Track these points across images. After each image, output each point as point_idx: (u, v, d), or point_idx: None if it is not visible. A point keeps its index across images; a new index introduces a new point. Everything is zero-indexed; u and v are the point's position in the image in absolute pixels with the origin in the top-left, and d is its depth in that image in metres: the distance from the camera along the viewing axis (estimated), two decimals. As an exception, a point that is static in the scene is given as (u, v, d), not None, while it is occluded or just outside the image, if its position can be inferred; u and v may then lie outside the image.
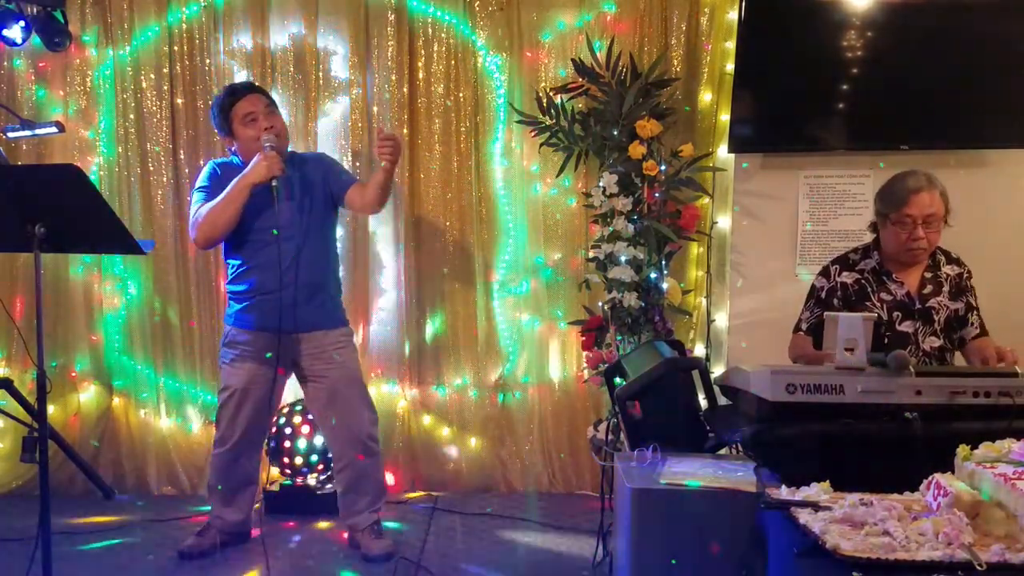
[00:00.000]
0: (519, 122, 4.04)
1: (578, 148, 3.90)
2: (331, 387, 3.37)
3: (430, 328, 4.30)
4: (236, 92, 3.33)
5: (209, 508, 3.58)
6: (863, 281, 2.88)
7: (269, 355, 3.28)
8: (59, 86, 4.20)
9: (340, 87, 4.20)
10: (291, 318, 3.19)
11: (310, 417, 3.93)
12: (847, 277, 2.90)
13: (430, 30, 4.16)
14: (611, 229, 3.82)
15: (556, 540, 3.62)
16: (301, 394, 3.65)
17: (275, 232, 3.17)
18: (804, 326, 2.94)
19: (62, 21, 3.95)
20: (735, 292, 3.97)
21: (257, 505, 3.71)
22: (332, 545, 3.56)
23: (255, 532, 3.61)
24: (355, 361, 3.47)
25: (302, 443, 3.94)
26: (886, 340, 2.72)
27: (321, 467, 4.00)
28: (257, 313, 3.29)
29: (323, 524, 3.78)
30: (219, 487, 3.45)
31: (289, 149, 3.45)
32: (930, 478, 1.73)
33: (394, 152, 3.13)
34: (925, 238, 2.76)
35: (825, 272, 2.96)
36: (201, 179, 3.34)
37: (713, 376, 2.80)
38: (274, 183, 3.13)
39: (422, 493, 4.23)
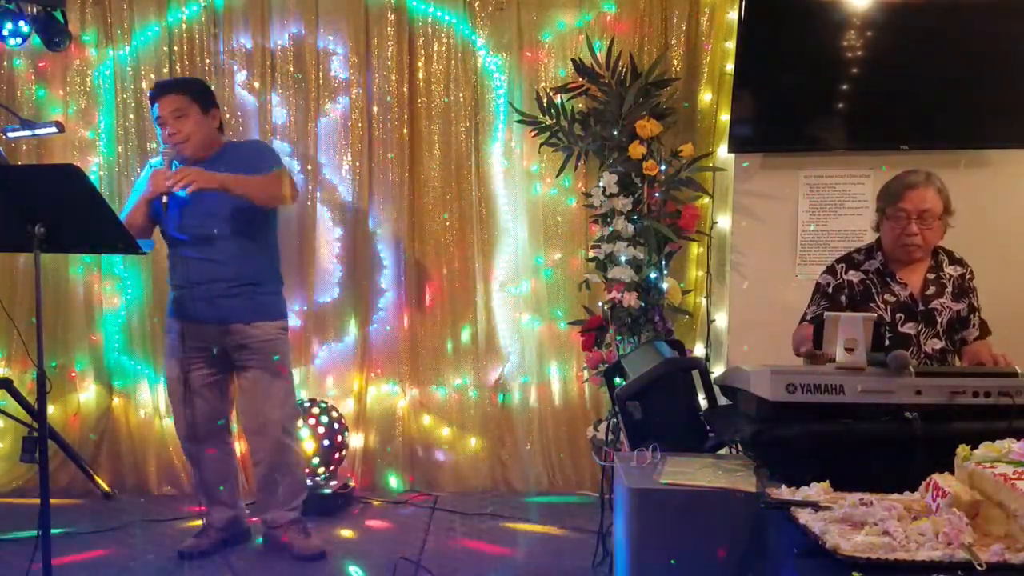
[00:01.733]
0: (519, 122, 4.04)
1: (578, 148, 3.90)
2: (250, 379, 3.37)
3: (430, 328, 4.30)
4: (150, 97, 3.36)
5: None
6: (868, 281, 2.87)
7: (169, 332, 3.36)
8: (59, 86, 4.20)
9: (340, 87, 4.20)
10: (212, 310, 3.27)
11: (308, 419, 3.95)
12: (853, 276, 2.89)
13: (430, 30, 4.16)
14: (611, 229, 3.82)
15: (556, 540, 3.62)
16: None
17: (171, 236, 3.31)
18: (809, 316, 2.93)
19: (62, 21, 3.96)
20: (735, 292, 3.97)
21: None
22: (330, 544, 3.56)
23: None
24: (280, 355, 3.38)
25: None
26: (887, 341, 2.72)
27: (321, 468, 3.99)
28: (179, 304, 3.34)
29: (321, 524, 3.77)
30: (197, 485, 3.50)
31: (227, 141, 3.44)
32: (928, 479, 1.72)
33: (187, 182, 3.07)
34: (919, 234, 2.76)
35: (831, 270, 2.95)
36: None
37: (713, 376, 2.80)
38: (164, 199, 3.15)
39: (422, 493, 4.23)
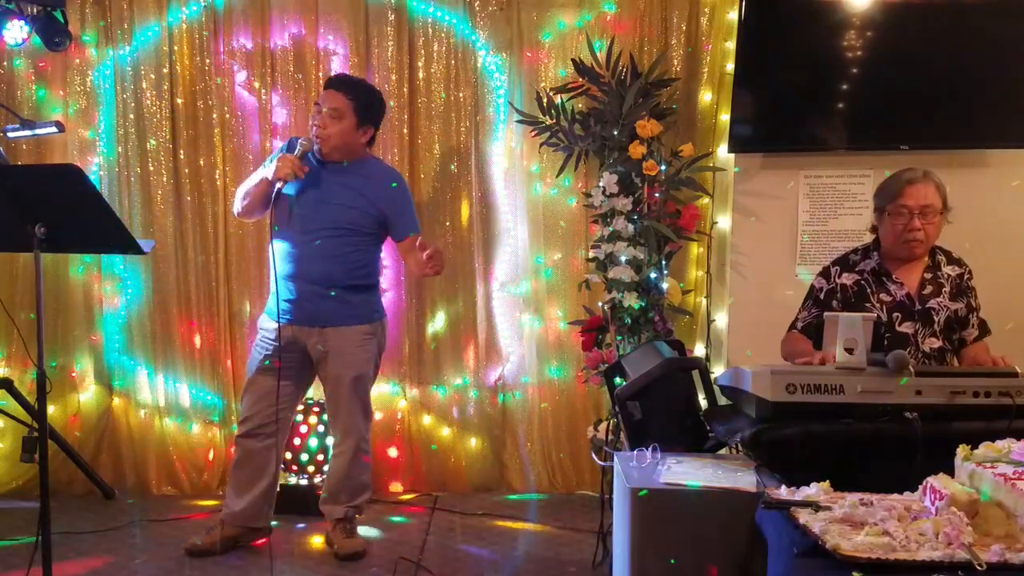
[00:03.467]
0: (519, 122, 4.04)
1: (578, 148, 3.90)
2: (334, 382, 3.41)
3: (430, 328, 4.30)
4: (325, 82, 3.47)
5: (216, 505, 3.62)
6: (863, 282, 2.87)
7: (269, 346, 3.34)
8: (59, 86, 4.19)
9: (340, 87, 4.19)
10: (303, 312, 3.31)
11: (311, 418, 3.95)
12: (847, 279, 2.89)
13: (430, 30, 4.16)
14: (611, 229, 3.82)
15: (556, 540, 3.62)
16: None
17: (275, 228, 3.31)
18: (800, 325, 2.94)
19: (62, 21, 3.94)
20: (735, 292, 3.97)
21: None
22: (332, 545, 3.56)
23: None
24: (364, 362, 3.44)
25: (308, 441, 3.94)
26: (885, 341, 2.72)
27: (324, 466, 3.99)
28: (278, 303, 3.36)
29: (322, 524, 3.77)
30: (232, 477, 3.52)
31: (370, 155, 3.52)
32: (924, 482, 1.72)
33: (440, 267, 3.23)
34: (922, 229, 2.76)
35: (825, 273, 2.95)
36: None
37: (713, 376, 2.80)
38: (279, 185, 3.21)
39: (422, 493, 4.23)
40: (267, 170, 3.27)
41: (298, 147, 3.26)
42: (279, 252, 3.33)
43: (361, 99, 3.34)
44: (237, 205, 3.46)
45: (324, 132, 3.27)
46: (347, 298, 3.36)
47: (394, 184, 3.47)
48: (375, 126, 3.44)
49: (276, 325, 3.32)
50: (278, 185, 3.20)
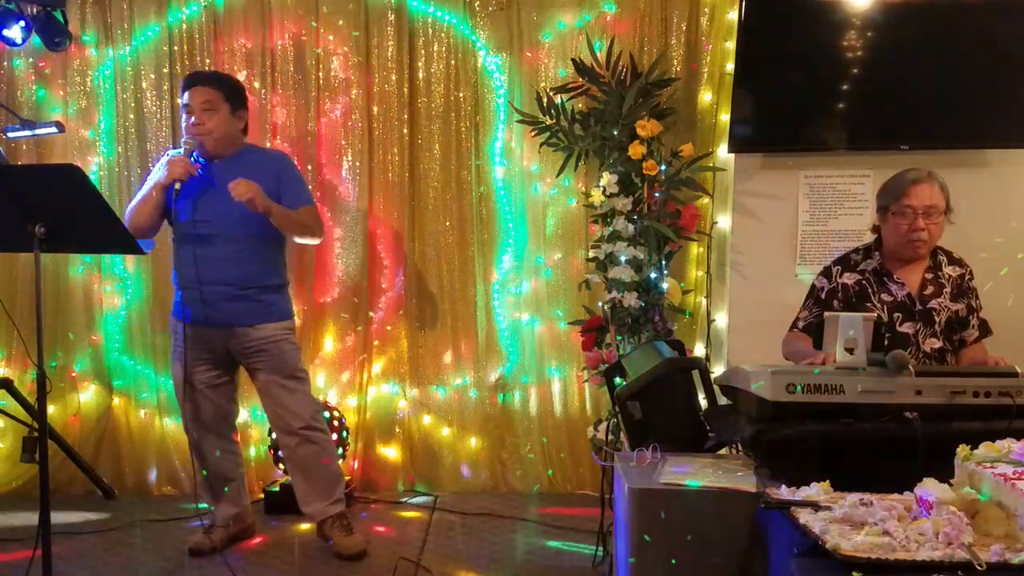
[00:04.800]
0: (519, 122, 4.04)
1: (578, 148, 3.90)
2: (263, 380, 3.39)
3: (430, 328, 4.30)
4: (184, 83, 3.38)
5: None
6: (864, 282, 2.87)
7: (177, 343, 3.35)
8: (59, 86, 4.20)
9: (340, 87, 4.20)
10: (217, 313, 3.26)
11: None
12: (848, 278, 2.89)
13: (430, 30, 4.16)
14: (611, 229, 3.82)
15: (556, 540, 3.62)
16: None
17: (181, 233, 3.26)
18: (801, 324, 2.94)
19: (62, 21, 3.95)
20: (735, 292, 3.97)
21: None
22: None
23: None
24: (286, 356, 3.39)
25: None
26: (886, 341, 2.72)
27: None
28: (183, 305, 3.33)
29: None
30: (202, 482, 3.51)
31: (247, 143, 3.47)
32: (915, 494, 1.72)
33: (244, 195, 3.10)
34: (926, 229, 2.77)
35: (826, 272, 2.95)
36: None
37: (713, 376, 2.80)
38: (176, 186, 3.16)
39: (422, 493, 4.23)
40: (158, 175, 3.23)
41: (183, 146, 3.23)
42: (184, 257, 3.27)
43: (226, 87, 3.33)
44: (129, 221, 3.27)
45: (204, 128, 3.24)
46: (261, 298, 3.33)
47: (279, 160, 3.47)
48: (246, 109, 3.41)
49: (191, 331, 3.28)
50: (176, 187, 3.16)
